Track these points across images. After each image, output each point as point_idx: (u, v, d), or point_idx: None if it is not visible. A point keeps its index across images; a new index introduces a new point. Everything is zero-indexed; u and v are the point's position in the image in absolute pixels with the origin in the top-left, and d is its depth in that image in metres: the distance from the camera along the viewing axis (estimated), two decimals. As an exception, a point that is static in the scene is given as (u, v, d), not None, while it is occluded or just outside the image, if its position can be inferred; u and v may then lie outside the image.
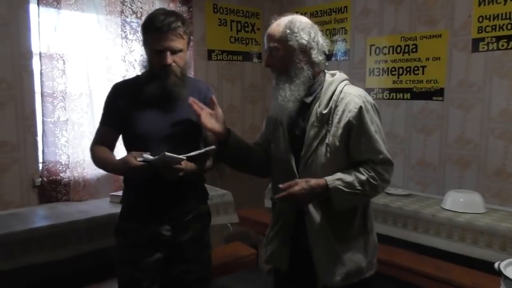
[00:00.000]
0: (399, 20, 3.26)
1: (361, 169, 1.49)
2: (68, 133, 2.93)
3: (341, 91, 1.53)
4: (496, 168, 2.85)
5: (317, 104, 1.53)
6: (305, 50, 1.52)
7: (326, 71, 1.61)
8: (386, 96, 3.35)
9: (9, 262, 2.18)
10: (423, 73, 3.16)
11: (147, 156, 1.66)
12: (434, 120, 3.12)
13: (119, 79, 3.08)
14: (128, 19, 3.13)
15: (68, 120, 2.92)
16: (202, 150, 1.70)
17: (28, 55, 2.79)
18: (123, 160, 1.70)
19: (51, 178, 2.89)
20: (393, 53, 3.30)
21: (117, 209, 2.60)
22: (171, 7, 3.31)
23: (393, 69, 3.31)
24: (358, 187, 1.47)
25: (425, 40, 3.13)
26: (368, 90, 3.45)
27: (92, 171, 3.01)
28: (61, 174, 2.93)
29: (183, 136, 1.85)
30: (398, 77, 3.28)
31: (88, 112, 2.99)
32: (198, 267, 1.90)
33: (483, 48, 2.86)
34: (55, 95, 2.86)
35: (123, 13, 3.11)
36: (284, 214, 1.63)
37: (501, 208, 2.70)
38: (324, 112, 1.51)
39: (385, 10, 3.30)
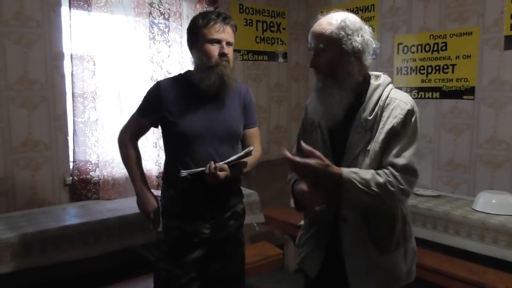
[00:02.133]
0: (428, 18, 3.20)
1: (381, 172, 1.40)
2: (98, 133, 2.98)
3: (387, 96, 1.46)
4: (529, 169, 2.77)
5: (362, 109, 1.47)
6: (357, 54, 1.44)
7: (370, 72, 1.53)
8: (414, 95, 3.29)
9: (42, 258, 2.25)
10: (453, 72, 3.09)
11: (189, 171, 1.74)
12: (465, 120, 3.05)
13: (147, 80, 3.14)
14: (156, 21, 3.17)
15: (98, 120, 2.98)
16: (242, 153, 1.75)
17: (60, 56, 2.86)
18: (144, 200, 1.90)
19: (81, 177, 2.95)
20: (421, 51, 3.24)
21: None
22: (198, 8, 3.34)
23: (422, 68, 3.25)
24: (373, 188, 1.36)
25: (455, 37, 3.07)
26: (396, 89, 3.40)
27: (121, 170, 3.05)
28: (91, 173, 2.98)
29: (231, 134, 1.92)
30: (427, 76, 3.22)
31: (117, 112, 3.04)
32: (234, 264, 1.96)
33: (516, 45, 2.78)
34: (85, 95, 2.92)
35: (151, 14, 3.15)
36: (320, 218, 1.59)
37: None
38: (370, 118, 1.44)
39: (413, 7, 3.25)
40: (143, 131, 1.98)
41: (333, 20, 1.45)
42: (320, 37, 1.45)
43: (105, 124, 3.01)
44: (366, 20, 3.59)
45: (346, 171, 1.38)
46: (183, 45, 3.30)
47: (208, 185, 1.78)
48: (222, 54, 1.80)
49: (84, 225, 2.41)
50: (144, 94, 1.97)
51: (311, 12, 4.08)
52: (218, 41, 1.80)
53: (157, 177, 3.22)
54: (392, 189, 1.37)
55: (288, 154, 1.34)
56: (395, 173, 1.38)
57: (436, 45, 3.18)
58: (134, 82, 3.09)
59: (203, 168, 1.73)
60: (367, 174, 1.39)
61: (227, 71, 1.81)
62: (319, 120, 1.55)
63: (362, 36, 1.43)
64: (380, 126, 1.43)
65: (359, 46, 1.43)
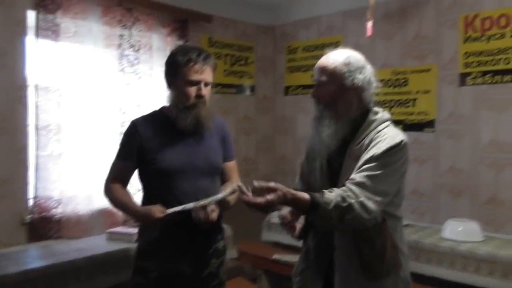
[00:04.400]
0: (390, 55, 3.40)
1: (336, 189, 1.41)
2: (62, 167, 2.85)
3: (380, 131, 1.50)
4: (488, 197, 2.94)
5: (354, 141, 1.51)
6: (357, 90, 1.50)
7: (371, 108, 1.57)
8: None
9: (3, 306, 2.07)
10: (414, 106, 3.28)
11: (174, 209, 1.70)
12: (426, 151, 3.22)
13: (115, 112, 3.07)
14: (125, 52, 3.13)
15: (62, 153, 2.86)
16: (228, 192, 1.73)
17: (23, 87, 2.74)
18: (147, 210, 1.73)
19: (42, 214, 2.78)
20: (384, 86, 3.41)
21: (116, 246, 2.58)
22: (168, 40, 3.35)
23: (385, 102, 3.41)
24: (335, 204, 1.35)
25: (415, 74, 3.26)
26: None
27: (86, 206, 2.93)
28: (53, 210, 2.81)
29: (212, 167, 1.88)
30: (390, 110, 3.39)
31: (84, 146, 2.93)
32: None
33: (470, 82, 3.00)
34: (49, 127, 2.80)
35: (121, 46, 3.12)
36: (317, 248, 1.61)
37: (497, 235, 2.76)
38: (356, 147, 1.50)
39: (376, 45, 3.44)
40: (128, 175, 1.89)
41: (338, 56, 1.54)
42: (324, 70, 1.52)
43: (70, 158, 2.89)
44: (330, 56, 3.76)
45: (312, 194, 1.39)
46: (152, 77, 3.28)
47: (190, 223, 1.74)
48: (199, 96, 1.79)
49: (49, 268, 2.24)
50: (121, 136, 1.93)
51: (278, 47, 4.21)
52: (197, 83, 1.79)
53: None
54: (350, 200, 1.36)
55: (246, 198, 1.36)
56: (351, 186, 1.40)
57: (397, 81, 3.36)
58: (102, 114, 3.02)
59: (188, 206, 1.70)
60: (331, 192, 1.40)
61: (203, 111, 1.81)
62: (318, 150, 1.59)
63: (364, 74, 1.51)
64: (363, 155, 1.48)
65: (360, 83, 1.50)
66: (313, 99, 1.57)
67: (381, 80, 3.33)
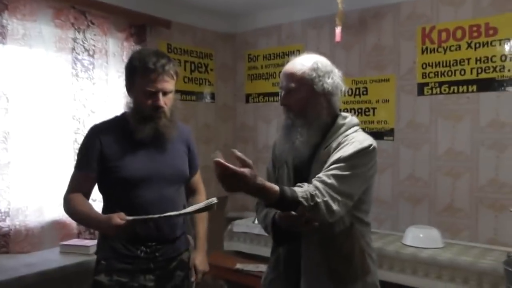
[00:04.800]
0: (350, 65, 3.44)
1: (306, 184, 1.38)
2: (10, 177, 2.66)
3: (347, 135, 1.49)
4: (445, 204, 3.02)
5: (322, 145, 1.50)
6: (327, 95, 1.48)
7: (339, 113, 1.57)
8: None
9: None
10: (374, 114, 3.33)
11: (134, 218, 1.57)
12: (386, 159, 3.27)
13: (68, 119, 2.91)
14: (79, 57, 2.98)
15: (10, 163, 2.66)
16: (202, 205, 1.55)
17: (-34, 92, 2.53)
18: (107, 217, 1.58)
19: (-13, 228, 2.58)
20: (344, 95, 3.43)
21: (69, 260, 2.42)
22: (125, 45, 3.23)
23: (345, 111, 3.42)
24: (300, 199, 1.32)
25: (374, 83, 3.32)
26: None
27: (36, 218, 2.74)
28: (-1, 223, 2.62)
29: (179, 175, 1.80)
30: (350, 118, 3.42)
31: (34, 154, 2.75)
32: None
33: (427, 92, 3.08)
34: (-5, 135, 2.61)
35: (75, 50, 2.96)
36: (287, 256, 1.57)
37: (455, 241, 2.84)
38: (324, 151, 1.48)
39: (336, 54, 3.48)
40: (90, 186, 1.75)
41: (305, 61, 1.51)
42: (292, 76, 1.49)
43: (19, 168, 2.70)
44: (291, 64, 3.76)
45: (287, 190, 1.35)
46: (108, 83, 3.14)
47: (153, 234, 1.66)
48: (156, 107, 1.69)
49: (-4, 286, 2.08)
50: (79, 145, 1.80)
51: (238, 55, 4.17)
52: (154, 93, 1.68)
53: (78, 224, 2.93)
54: (317, 199, 1.33)
55: (221, 160, 1.27)
56: (318, 184, 1.37)
57: (357, 90, 3.41)
58: (54, 121, 2.85)
59: (152, 216, 1.59)
60: (295, 188, 1.37)
61: (162, 122, 1.71)
62: (285, 157, 1.55)
63: (332, 78, 1.50)
64: (330, 157, 1.46)
65: (329, 88, 1.48)
66: (282, 106, 1.54)
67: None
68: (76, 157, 1.79)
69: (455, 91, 2.96)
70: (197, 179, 1.99)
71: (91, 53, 3.04)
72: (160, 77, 1.66)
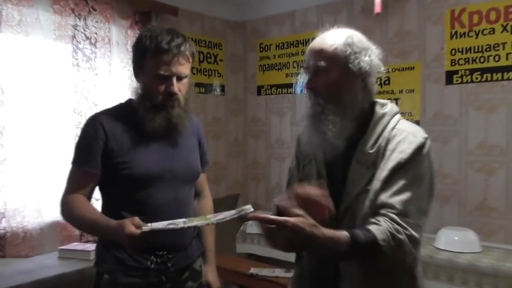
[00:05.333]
0: (371, 52, 3.19)
1: (381, 219, 1.15)
2: (6, 175, 2.46)
3: (394, 127, 1.25)
4: (477, 202, 2.77)
5: (363, 141, 1.25)
6: (363, 77, 1.23)
7: (376, 100, 1.32)
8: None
9: None
10: (397, 106, 3.07)
11: (156, 225, 1.30)
12: (410, 154, 3.02)
13: (69, 112, 2.70)
14: (80, 45, 2.77)
15: (6, 159, 2.47)
16: (235, 212, 1.25)
17: (-43, 83, 2.34)
18: (119, 225, 1.30)
19: (-19, 230, 2.39)
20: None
21: (68, 267, 2.21)
22: (130, 34, 3.01)
23: (365, 102, 3.20)
24: (381, 242, 1.11)
25: (397, 72, 3.07)
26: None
27: (34, 219, 2.55)
28: (-6, 225, 2.43)
29: (193, 173, 1.60)
30: (371, 110, 3.18)
31: (32, 151, 2.55)
32: None
33: (457, 80, 2.83)
34: (-10, 130, 2.41)
35: (75, 38, 2.75)
36: (316, 274, 1.32)
37: (489, 244, 2.59)
38: (371, 151, 1.23)
39: (355, 42, 3.22)
40: (92, 185, 1.50)
41: (337, 36, 1.25)
42: (322, 53, 1.23)
43: (16, 165, 2.50)
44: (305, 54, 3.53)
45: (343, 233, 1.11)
46: (112, 73, 2.92)
47: (166, 241, 1.44)
48: (169, 94, 1.46)
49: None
50: (77, 137, 1.55)
51: (249, 44, 3.94)
52: (167, 77, 1.45)
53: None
54: (400, 236, 1.12)
55: (259, 215, 1.06)
56: (396, 218, 1.15)
57: (379, 79, 3.16)
58: (53, 115, 2.64)
59: (174, 226, 1.29)
60: (369, 228, 1.14)
61: (176, 112, 1.48)
62: (314, 152, 1.31)
63: (370, 56, 1.24)
64: (383, 161, 1.21)
65: (367, 67, 1.23)
66: (308, 91, 1.29)
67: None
68: (74, 152, 1.52)
69: (488, 79, 2.71)
70: (203, 180, 1.77)
71: (93, 41, 2.83)
72: (175, 59, 1.43)
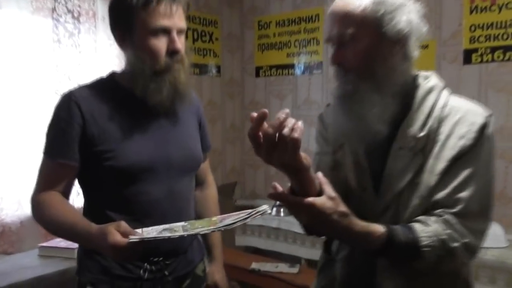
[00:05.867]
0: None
1: (432, 220, 0.94)
2: (-21, 165, 2.21)
3: (445, 105, 1.01)
4: (496, 192, 2.57)
5: (407, 121, 1.01)
6: (402, 42, 0.99)
7: (417, 71, 1.08)
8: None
9: None
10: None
11: (148, 231, 1.05)
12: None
13: (50, 94, 2.43)
14: (61, 19, 2.49)
15: (-21, 148, 2.21)
16: (248, 214, 1.00)
17: None
18: (101, 232, 1.03)
19: (-47, 225, 2.14)
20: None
21: (50, 267, 1.96)
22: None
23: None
24: (425, 248, 0.92)
25: (410, 51, 2.84)
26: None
27: (14, 212, 2.31)
28: (-32, 219, 2.19)
29: (194, 162, 1.33)
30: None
31: (9, 137, 2.29)
32: None
33: (476, 60, 2.61)
34: (-40, 115, 2.15)
35: (55, 11, 2.47)
36: (348, 281, 1.09)
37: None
38: (420, 135, 0.99)
39: (363, 18, 2.98)
40: (70, 181, 1.23)
41: None
42: (347, 18, 0.97)
43: (-10, 153, 2.24)
44: (310, 31, 3.28)
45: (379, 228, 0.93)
46: (97, 51, 2.65)
47: (162, 246, 1.19)
48: (173, 52, 1.19)
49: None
50: (49, 120, 1.24)
51: (246, 22, 3.66)
52: (166, 31, 1.18)
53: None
54: (453, 245, 0.92)
55: (280, 188, 0.90)
56: (453, 220, 0.93)
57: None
58: (32, 97, 2.37)
59: (172, 234, 1.02)
60: (413, 227, 0.94)
61: (182, 76, 1.21)
62: (349, 140, 1.07)
63: (408, 14, 0.98)
64: (437, 148, 0.98)
65: (406, 29, 0.98)
66: (334, 67, 1.04)
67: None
68: (45, 139, 1.24)
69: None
70: (206, 166, 1.51)
71: (75, 15, 2.55)
72: (173, 7, 1.17)
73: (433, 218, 0.94)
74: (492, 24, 2.54)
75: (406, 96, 1.02)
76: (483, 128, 0.97)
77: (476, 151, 0.96)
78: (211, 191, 1.54)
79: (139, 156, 1.19)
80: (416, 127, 0.99)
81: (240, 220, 0.99)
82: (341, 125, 1.05)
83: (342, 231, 0.91)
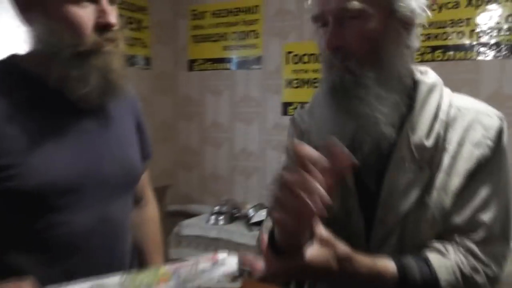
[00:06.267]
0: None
1: (450, 251, 0.80)
2: None
3: (451, 105, 0.85)
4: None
5: (409, 126, 0.83)
6: (410, 23, 0.82)
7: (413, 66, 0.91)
8: (307, 111, 2.87)
9: None
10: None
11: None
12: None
13: None
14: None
15: None
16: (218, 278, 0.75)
17: None
18: None
19: None
20: (315, 61, 2.85)
21: None
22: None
23: (315, 80, 2.86)
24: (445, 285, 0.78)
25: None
26: (286, 105, 2.94)
27: None
28: None
29: (132, 176, 1.03)
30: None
31: None
32: None
33: (417, 59, 2.57)
34: None
35: None
36: None
37: None
38: (428, 144, 0.82)
39: (305, 11, 2.84)
40: None
41: None
42: None
43: None
44: (248, 24, 3.08)
45: (391, 267, 0.76)
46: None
47: None
48: (105, 26, 0.89)
49: None
50: None
51: (179, 10, 3.37)
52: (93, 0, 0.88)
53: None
54: (477, 278, 0.78)
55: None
56: (475, 249, 0.79)
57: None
58: None
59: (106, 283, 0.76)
60: (430, 260, 0.78)
61: (116, 61, 0.92)
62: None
63: None
64: (447, 159, 0.82)
65: (416, 11, 0.81)
66: (330, 52, 0.82)
67: (311, 55, 2.81)
68: None
69: (451, 57, 2.48)
70: (145, 180, 1.21)
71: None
72: None
73: (451, 247, 0.79)
74: (431, 23, 2.52)
75: (406, 95, 0.86)
76: (500, 133, 0.83)
77: (494, 162, 0.82)
78: (151, 211, 1.24)
79: (55, 172, 0.86)
80: (422, 134, 0.82)
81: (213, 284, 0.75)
82: (332, 126, 0.83)
83: (344, 278, 0.73)
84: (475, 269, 0.78)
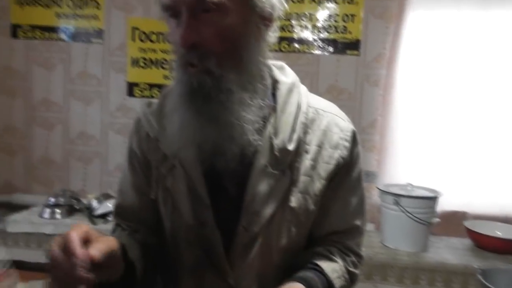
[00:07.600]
0: None
1: (335, 253, 0.86)
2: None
3: (309, 106, 0.86)
4: None
5: (272, 130, 0.81)
6: (269, 18, 0.78)
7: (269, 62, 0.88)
8: (155, 94, 2.72)
9: None
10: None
11: None
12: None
13: None
14: None
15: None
16: None
17: None
18: None
19: None
20: (164, 42, 2.69)
21: None
22: None
23: (164, 62, 2.71)
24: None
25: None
26: (131, 85, 2.73)
27: None
28: None
29: None
30: (172, 72, 2.72)
31: None
32: None
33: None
34: None
35: None
36: None
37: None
38: (291, 148, 0.80)
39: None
40: None
41: None
42: None
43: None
44: (87, -10, 2.72)
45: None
46: None
47: None
48: None
49: None
50: None
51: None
52: None
53: None
54: (356, 271, 0.90)
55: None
56: (354, 247, 0.91)
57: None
58: None
59: None
60: (324, 270, 0.82)
61: None
62: (186, 156, 0.81)
63: None
64: (308, 162, 0.83)
65: (276, 5, 0.78)
66: (183, 49, 0.74)
67: (159, 33, 2.65)
68: None
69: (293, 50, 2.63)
70: None
71: None
72: None
73: (334, 249, 0.87)
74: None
75: (267, 96, 0.84)
76: (354, 134, 0.88)
77: (352, 162, 0.87)
78: None
79: None
80: (284, 137, 0.81)
81: None
82: (190, 135, 0.77)
83: None
84: (355, 264, 0.88)
